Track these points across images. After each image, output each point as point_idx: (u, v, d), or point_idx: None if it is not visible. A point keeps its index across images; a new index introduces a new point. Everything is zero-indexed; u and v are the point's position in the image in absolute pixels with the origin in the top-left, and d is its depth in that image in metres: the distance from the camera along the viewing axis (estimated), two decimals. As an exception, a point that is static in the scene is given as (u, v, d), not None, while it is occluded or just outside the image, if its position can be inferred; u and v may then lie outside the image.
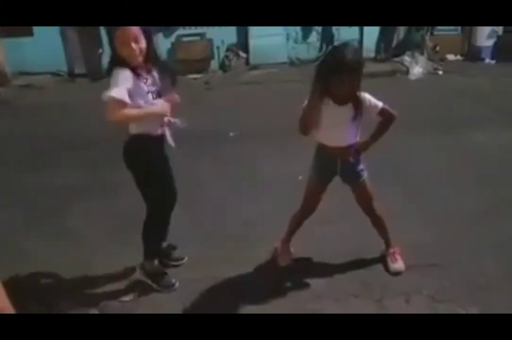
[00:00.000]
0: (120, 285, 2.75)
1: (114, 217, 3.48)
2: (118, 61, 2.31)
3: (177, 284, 2.69)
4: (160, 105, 2.42)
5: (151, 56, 2.38)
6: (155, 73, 2.45)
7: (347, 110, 2.44)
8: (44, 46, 7.96)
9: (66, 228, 3.39)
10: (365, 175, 2.66)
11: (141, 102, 2.34)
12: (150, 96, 2.39)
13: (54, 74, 8.42)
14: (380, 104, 2.50)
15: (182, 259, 2.94)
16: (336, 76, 2.31)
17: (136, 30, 2.26)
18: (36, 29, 8.17)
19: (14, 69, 8.13)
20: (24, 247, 3.10)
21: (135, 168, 2.49)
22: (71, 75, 8.44)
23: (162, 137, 2.52)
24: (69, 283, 2.79)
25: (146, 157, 2.46)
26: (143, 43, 2.30)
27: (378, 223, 2.79)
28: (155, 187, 2.53)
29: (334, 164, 2.60)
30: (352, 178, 2.64)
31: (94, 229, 3.36)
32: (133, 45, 2.26)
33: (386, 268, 2.80)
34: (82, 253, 3.06)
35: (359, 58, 2.36)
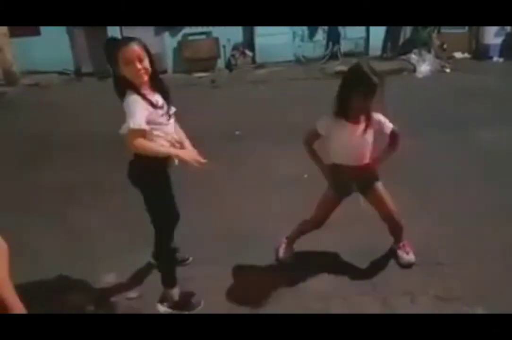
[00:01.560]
0: (126, 282, 2.76)
1: (119, 215, 3.50)
2: (123, 84, 2.23)
3: (202, 303, 2.57)
4: (187, 151, 2.38)
5: (155, 74, 2.29)
6: (159, 93, 2.35)
7: (361, 130, 2.47)
8: (51, 45, 8.01)
9: (70, 226, 3.41)
10: (378, 183, 2.67)
11: (157, 126, 2.27)
12: (165, 118, 2.31)
13: (61, 73, 8.48)
14: (391, 125, 2.54)
15: (187, 259, 2.93)
16: (355, 92, 2.34)
17: (138, 48, 2.18)
18: (43, 28, 8.22)
19: (22, 68, 8.18)
20: (27, 246, 3.12)
21: (143, 186, 2.41)
22: (78, 74, 8.49)
23: (169, 158, 2.40)
24: (74, 281, 2.81)
25: (152, 175, 2.38)
26: (146, 61, 2.21)
27: (395, 229, 2.80)
28: (163, 205, 2.46)
29: (351, 182, 2.61)
30: (367, 189, 2.66)
31: (98, 227, 3.38)
32: (138, 64, 2.17)
33: (398, 261, 2.82)
34: (86, 251, 3.08)
35: (375, 75, 2.36)
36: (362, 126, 2.47)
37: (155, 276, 2.77)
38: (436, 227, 3.18)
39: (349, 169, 2.57)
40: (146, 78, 2.23)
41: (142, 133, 2.19)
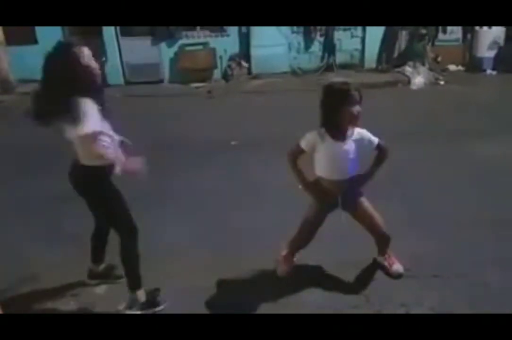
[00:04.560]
0: (116, 293, 2.73)
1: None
2: (77, 87, 2.16)
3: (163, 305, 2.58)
4: (132, 162, 2.33)
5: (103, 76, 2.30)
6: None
7: (346, 146, 2.51)
8: (48, 54, 8.03)
9: (65, 233, 3.38)
10: (362, 198, 2.69)
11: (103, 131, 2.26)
12: (107, 124, 2.30)
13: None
14: (376, 140, 2.58)
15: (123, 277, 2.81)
16: (333, 107, 2.41)
17: (87, 48, 2.21)
18: (40, 37, 8.25)
19: (18, 76, 8.20)
20: (24, 252, 3.09)
21: (93, 194, 2.41)
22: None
23: (112, 167, 2.39)
24: (69, 290, 2.77)
25: (100, 184, 2.39)
26: (97, 63, 2.23)
27: (383, 242, 2.79)
28: (118, 210, 2.46)
29: (335, 196, 2.62)
30: (351, 204, 2.66)
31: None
32: (95, 61, 2.20)
33: (387, 273, 2.80)
34: (80, 259, 3.05)
35: (354, 88, 2.41)
36: (345, 142, 2.51)
37: (146, 286, 2.75)
38: (430, 238, 3.17)
39: (333, 184, 2.59)
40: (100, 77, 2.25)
41: (97, 136, 2.18)
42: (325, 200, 2.65)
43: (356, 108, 2.40)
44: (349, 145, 2.52)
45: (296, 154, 2.60)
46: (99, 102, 2.23)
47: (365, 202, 2.69)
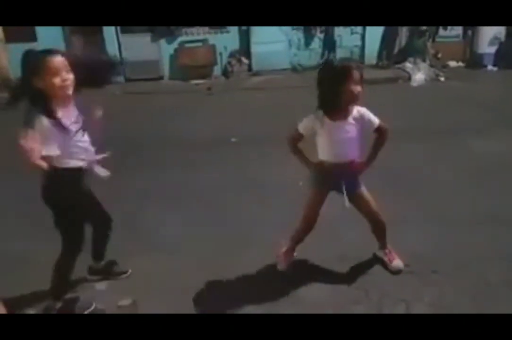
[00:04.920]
0: (117, 289, 2.74)
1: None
2: (37, 98, 2.13)
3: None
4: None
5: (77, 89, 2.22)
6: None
7: (346, 125, 2.48)
8: (48, 52, 8.02)
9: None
10: (361, 185, 2.68)
11: (73, 144, 2.24)
12: (79, 134, 2.27)
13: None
14: (377, 120, 2.55)
15: (126, 272, 2.86)
16: (332, 86, 2.36)
17: (63, 59, 2.14)
18: (40, 34, 8.24)
19: (18, 74, 8.19)
20: (23, 251, 3.10)
21: (55, 204, 2.35)
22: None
23: (83, 170, 2.37)
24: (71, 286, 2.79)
25: (67, 191, 2.32)
26: (71, 74, 2.16)
27: (379, 228, 2.79)
28: (74, 224, 2.43)
29: (335, 179, 2.61)
30: (351, 189, 2.65)
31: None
32: (65, 74, 2.12)
33: (387, 268, 2.81)
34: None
35: (355, 66, 2.38)
36: (345, 121, 2.47)
37: (147, 284, 2.76)
38: (430, 234, 3.18)
39: (335, 166, 2.56)
40: (71, 91, 2.18)
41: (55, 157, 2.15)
42: (326, 182, 2.63)
43: (357, 88, 2.36)
44: (349, 124, 2.48)
45: (295, 138, 2.58)
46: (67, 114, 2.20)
47: (364, 190, 2.68)
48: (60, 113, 2.18)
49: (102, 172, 2.44)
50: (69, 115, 2.24)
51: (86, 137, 2.35)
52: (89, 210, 2.54)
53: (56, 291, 2.54)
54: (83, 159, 2.34)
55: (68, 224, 2.41)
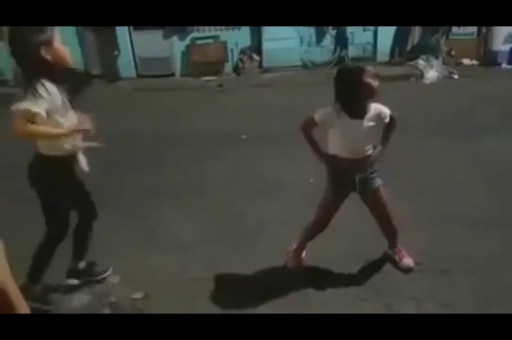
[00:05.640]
0: (130, 283, 2.77)
1: (120, 217, 3.51)
2: (39, 69, 2.19)
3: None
4: (70, 127, 2.30)
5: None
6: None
7: (364, 124, 2.47)
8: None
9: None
10: (379, 182, 2.64)
11: (58, 115, 2.26)
12: (67, 104, 2.31)
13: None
14: (388, 111, 2.55)
15: (106, 271, 2.83)
16: (352, 82, 2.37)
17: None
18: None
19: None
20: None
21: (41, 189, 2.37)
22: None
23: (73, 159, 2.40)
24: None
25: (54, 179, 2.35)
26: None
27: (390, 231, 2.78)
28: (60, 212, 2.45)
29: (352, 179, 2.58)
30: (365, 186, 2.62)
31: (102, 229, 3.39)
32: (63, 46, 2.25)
33: (397, 266, 2.80)
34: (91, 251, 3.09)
35: (368, 69, 2.41)
36: (363, 120, 2.46)
37: (160, 277, 2.78)
38: (442, 233, 3.16)
39: (349, 161, 2.54)
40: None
41: (29, 117, 2.15)
42: (341, 182, 2.60)
43: (375, 82, 2.38)
44: (367, 123, 2.47)
45: (309, 125, 2.56)
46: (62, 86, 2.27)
47: (382, 189, 2.65)
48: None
49: (83, 165, 2.43)
50: (61, 83, 2.30)
51: (71, 112, 2.35)
52: (75, 198, 2.53)
53: (34, 276, 2.55)
54: (68, 146, 2.33)
55: (52, 209, 2.42)
